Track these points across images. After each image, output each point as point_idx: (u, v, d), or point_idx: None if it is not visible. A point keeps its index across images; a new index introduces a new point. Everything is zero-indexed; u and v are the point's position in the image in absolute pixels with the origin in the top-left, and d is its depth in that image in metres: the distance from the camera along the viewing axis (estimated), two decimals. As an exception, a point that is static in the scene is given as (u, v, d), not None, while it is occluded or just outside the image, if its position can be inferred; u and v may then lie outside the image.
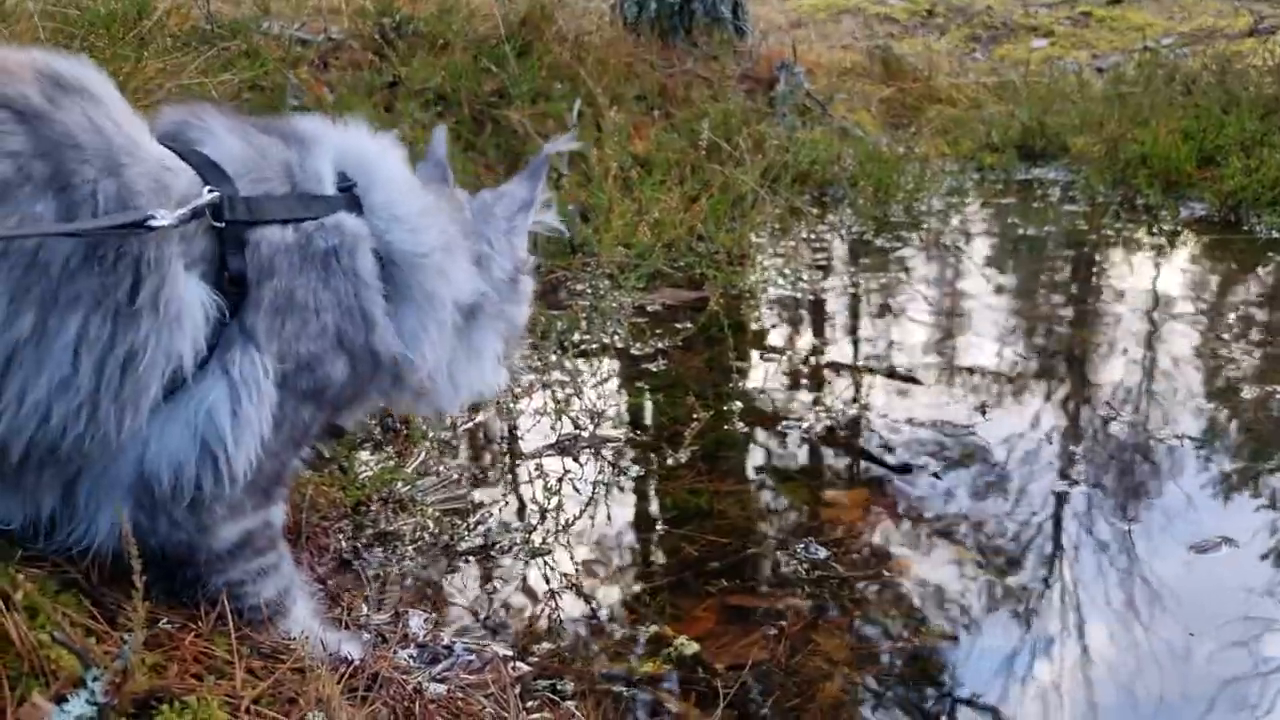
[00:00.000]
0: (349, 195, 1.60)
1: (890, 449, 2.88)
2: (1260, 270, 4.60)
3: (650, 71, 7.21)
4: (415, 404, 1.86)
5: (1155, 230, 5.27)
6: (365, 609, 2.06)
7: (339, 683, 1.45)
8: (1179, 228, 5.31)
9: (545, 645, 2.02)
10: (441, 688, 1.77)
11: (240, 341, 1.45)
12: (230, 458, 1.43)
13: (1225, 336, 3.71)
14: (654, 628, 2.09)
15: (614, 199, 4.36)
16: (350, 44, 6.50)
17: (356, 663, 1.74)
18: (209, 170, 1.46)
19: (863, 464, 2.83)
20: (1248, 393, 3.22)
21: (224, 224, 1.41)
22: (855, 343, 3.77)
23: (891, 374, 3.42)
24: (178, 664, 1.34)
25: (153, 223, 1.28)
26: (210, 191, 1.40)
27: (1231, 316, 3.97)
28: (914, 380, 3.37)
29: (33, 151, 1.25)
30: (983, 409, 3.12)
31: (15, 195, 1.23)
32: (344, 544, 2.27)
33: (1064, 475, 2.73)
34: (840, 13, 12.67)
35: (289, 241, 1.50)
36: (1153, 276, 4.55)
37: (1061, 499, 2.61)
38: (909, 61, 8.90)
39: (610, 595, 2.21)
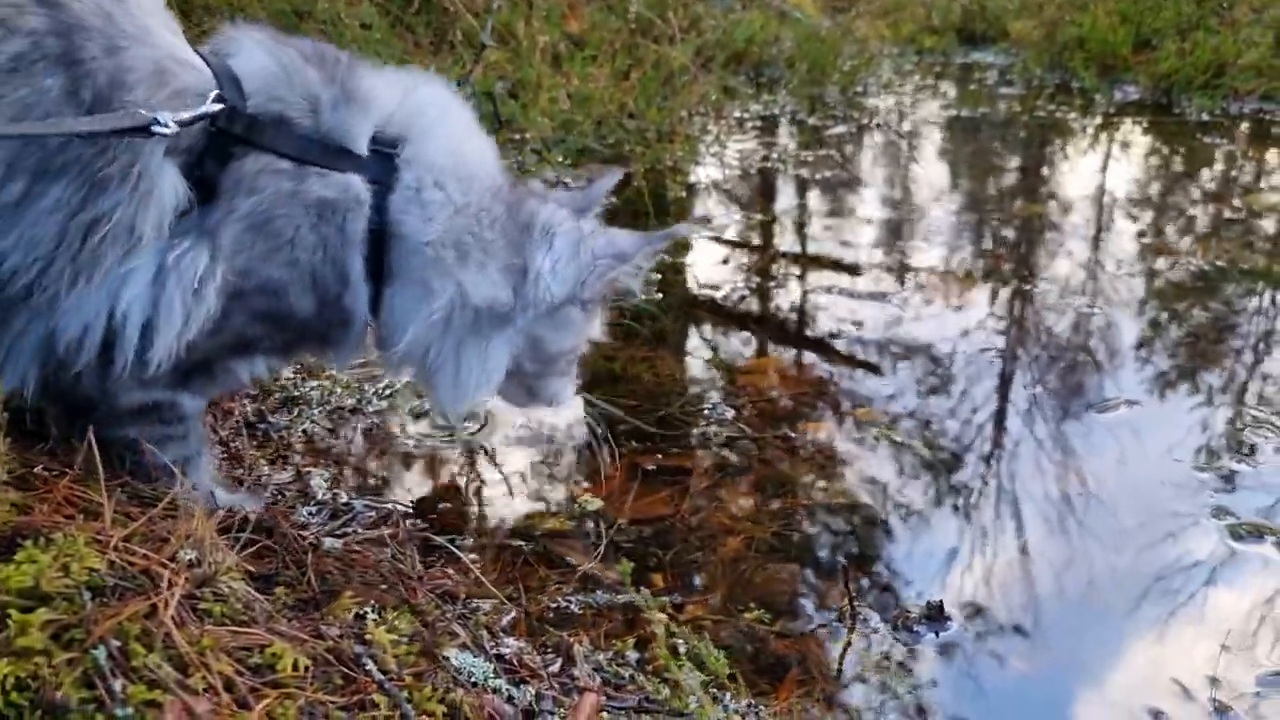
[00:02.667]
0: (378, 160, 1.53)
1: (809, 322, 2.89)
2: (1185, 152, 4.62)
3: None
4: (421, 385, 1.83)
5: (1090, 113, 5.27)
6: (267, 469, 2.04)
7: (216, 525, 1.44)
8: (1112, 110, 5.31)
9: (446, 505, 2.02)
10: (338, 542, 1.77)
11: (194, 238, 1.42)
12: (129, 337, 1.40)
13: (1136, 214, 3.74)
14: (560, 488, 2.10)
15: (542, 74, 4.26)
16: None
17: (250, 515, 1.73)
18: (224, 77, 1.44)
19: (767, 334, 2.84)
20: (1158, 264, 3.25)
21: (214, 129, 1.41)
22: (775, 221, 3.75)
23: (815, 260, 3.42)
24: (49, 505, 1.32)
25: (156, 128, 1.29)
26: (216, 100, 1.39)
27: (1147, 197, 4.00)
28: (842, 266, 3.37)
29: (47, 29, 1.29)
30: (901, 279, 3.13)
31: (30, 69, 1.29)
32: (249, 407, 2.24)
33: (988, 349, 2.76)
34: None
35: (282, 169, 1.46)
36: (1078, 160, 4.56)
37: (966, 367, 2.65)
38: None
39: (516, 458, 2.21)
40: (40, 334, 1.41)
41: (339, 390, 2.35)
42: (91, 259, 1.35)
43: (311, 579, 1.61)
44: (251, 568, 1.51)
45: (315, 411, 2.27)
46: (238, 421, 2.20)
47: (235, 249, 1.45)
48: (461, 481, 2.12)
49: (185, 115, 1.34)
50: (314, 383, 2.37)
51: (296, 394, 2.32)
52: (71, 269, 1.34)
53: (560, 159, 3.92)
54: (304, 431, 2.20)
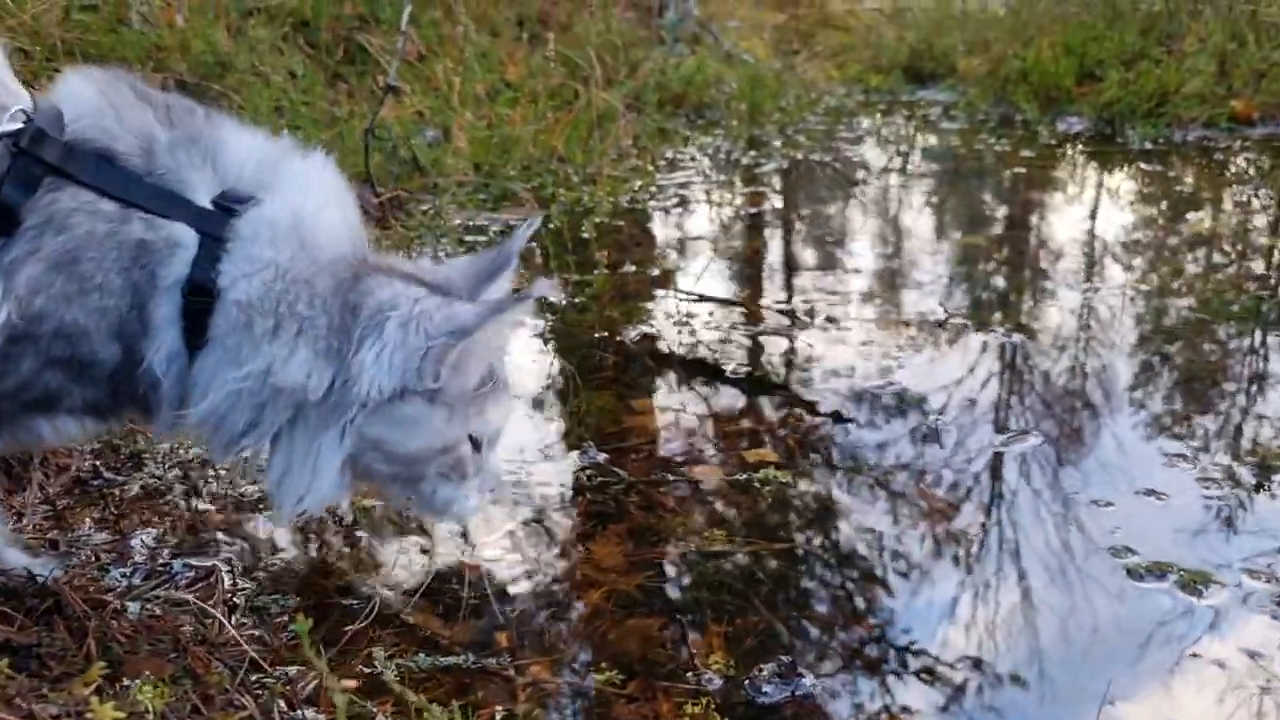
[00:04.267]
0: (218, 214, 1.39)
1: (711, 358, 2.75)
2: (1127, 179, 4.53)
3: (533, -1, 6.99)
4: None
5: (1032, 145, 5.19)
6: (89, 529, 1.89)
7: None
8: (1054, 141, 5.23)
9: (275, 562, 1.86)
10: (141, 610, 1.62)
11: None
12: None
13: (1077, 239, 3.63)
14: (403, 540, 1.95)
15: (463, 119, 4.17)
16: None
17: (45, 581, 1.59)
18: (43, 105, 1.35)
19: (660, 371, 2.71)
20: (1105, 288, 3.14)
21: (17, 150, 1.30)
22: (684, 260, 3.64)
23: (704, 297, 3.30)
24: None
25: None
26: (20, 119, 1.31)
27: (1083, 225, 3.89)
28: (727, 301, 3.24)
29: None
30: (809, 314, 3.01)
31: None
32: (86, 464, 2.10)
33: (887, 375, 2.63)
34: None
35: (101, 210, 1.33)
36: (1012, 190, 4.46)
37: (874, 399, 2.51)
38: (807, -11, 8.75)
39: (362, 511, 2.06)
40: None
41: (188, 444, 2.20)
42: None
43: (91, 648, 1.46)
44: (10, 635, 1.36)
45: (160, 467, 2.12)
46: (71, 479, 2.06)
47: (32, 289, 1.31)
48: (303, 537, 1.96)
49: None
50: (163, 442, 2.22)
51: (143, 448, 2.17)
52: None
53: (476, 201, 3.81)
54: (142, 488, 2.05)
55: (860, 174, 4.75)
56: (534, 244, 3.56)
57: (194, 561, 1.81)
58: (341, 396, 1.42)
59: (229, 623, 1.61)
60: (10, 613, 1.45)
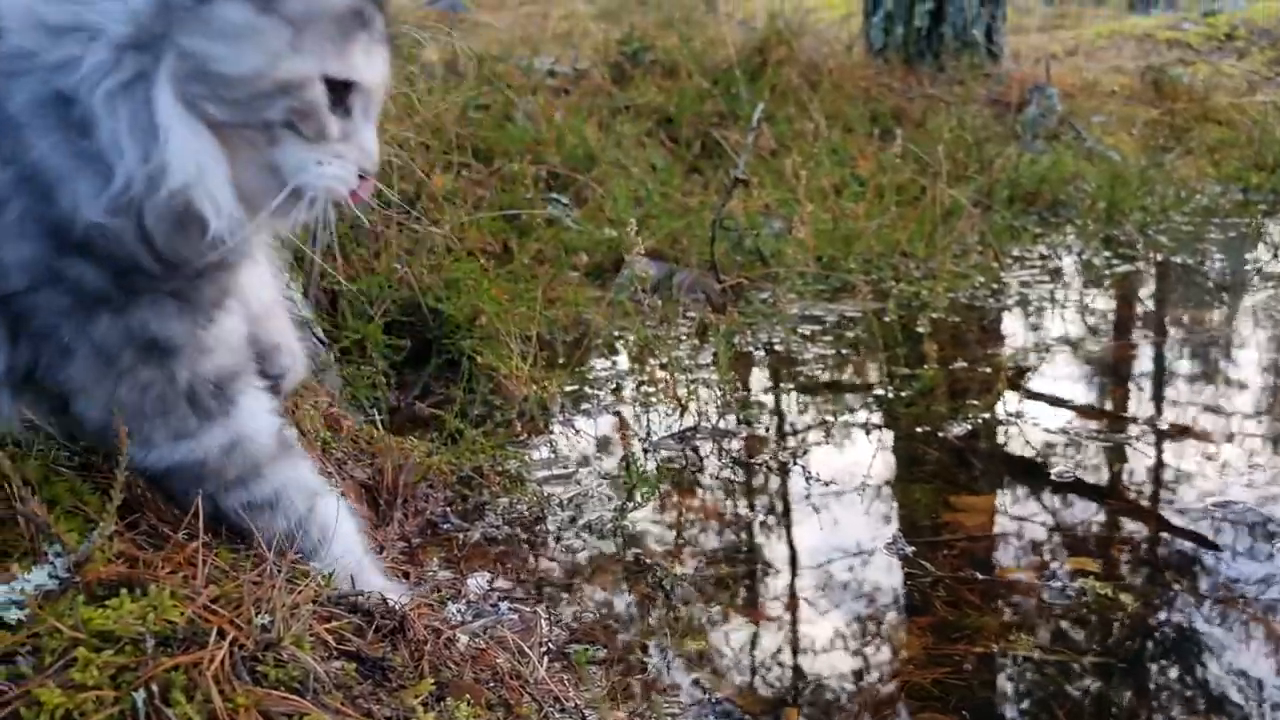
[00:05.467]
0: None
1: (1046, 459, 2.67)
2: None
3: (888, 95, 7.07)
4: None
5: None
6: (435, 567, 2.12)
7: (311, 597, 1.50)
8: None
9: (590, 614, 2.00)
10: (470, 640, 1.80)
11: None
12: None
13: None
14: (715, 607, 2.04)
15: (807, 212, 4.30)
16: (594, 73, 6.79)
17: (395, 606, 1.80)
18: None
19: (981, 468, 2.64)
20: None
21: None
22: (1021, 360, 3.53)
23: (1034, 395, 3.18)
24: (170, 562, 1.44)
25: None
26: None
27: None
28: (1063, 404, 3.11)
29: None
30: (1154, 422, 2.84)
31: None
32: (439, 510, 2.35)
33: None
34: (1125, 39, 11.93)
35: None
36: None
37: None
38: (1187, 84, 8.26)
39: (678, 578, 2.16)
40: None
41: (528, 500, 2.41)
42: None
43: (425, 668, 1.64)
44: (360, 647, 1.56)
45: (500, 518, 2.34)
46: (425, 521, 2.31)
47: None
48: (618, 593, 2.10)
49: None
50: (507, 491, 2.45)
51: (486, 500, 2.41)
52: None
53: (814, 291, 3.92)
54: (483, 536, 2.27)
55: (1232, 278, 4.43)
56: (864, 334, 3.60)
57: (520, 606, 1.98)
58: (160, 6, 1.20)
59: (542, 665, 1.75)
60: (364, 627, 1.65)
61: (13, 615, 1.23)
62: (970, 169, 5.34)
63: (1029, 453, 2.73)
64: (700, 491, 2.53)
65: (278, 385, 1.68)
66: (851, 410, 3.01)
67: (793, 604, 2.08)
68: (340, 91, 1.29)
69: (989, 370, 3.31)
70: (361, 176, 1.35)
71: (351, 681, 1.38)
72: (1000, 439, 2.82)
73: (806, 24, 8.34)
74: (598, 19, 10.03)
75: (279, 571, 1.43)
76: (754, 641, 1.95)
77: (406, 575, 2.06)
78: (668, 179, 5.11)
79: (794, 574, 2.19)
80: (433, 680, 1.53)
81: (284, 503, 1.61)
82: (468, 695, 1.54)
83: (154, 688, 1.17)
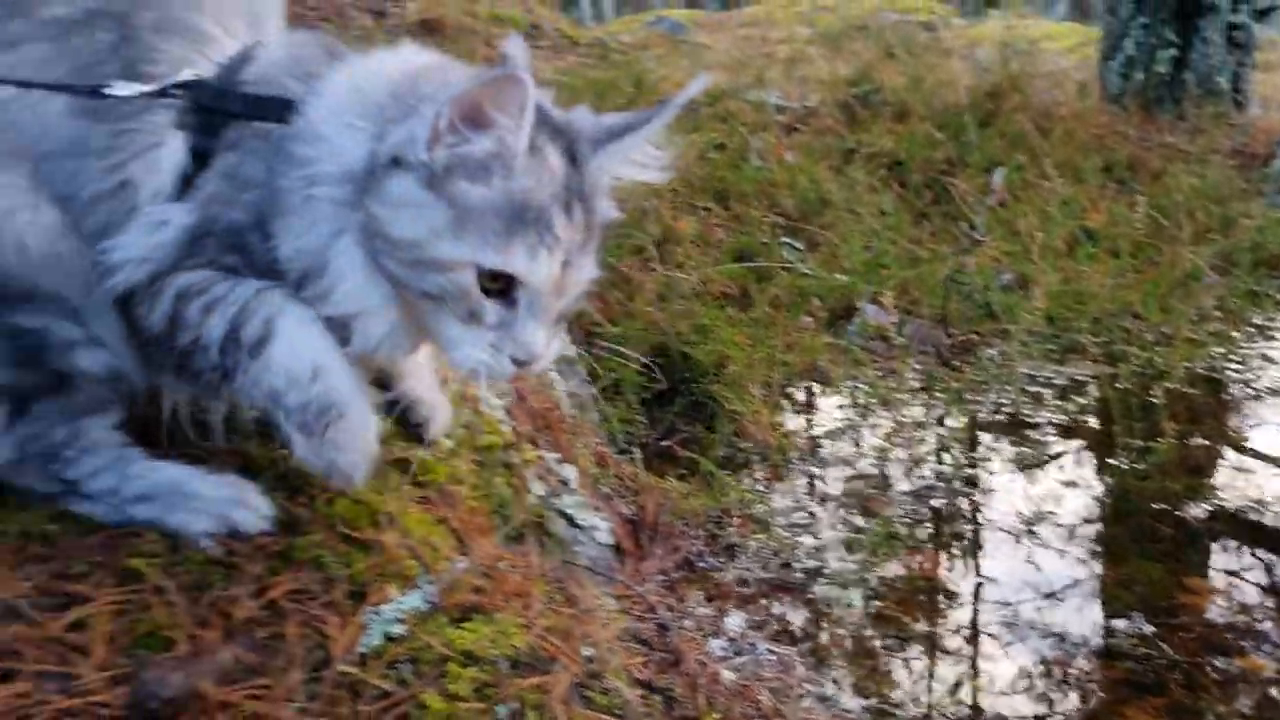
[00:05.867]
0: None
1: None
2: None
3: (1124, 144, 6.94)
4: None
5: None
6: (694, 603, 2.33)
7: (628, 640, 1.73)
8: None
9: (842, 661, 2.17)
10: (733, 676, 1.99)
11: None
12: None
13: None
14: (955, 670, 2.17)
15: (1040, 270, 4.34)
16: (821, 112, 6.93)
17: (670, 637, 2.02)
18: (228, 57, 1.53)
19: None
20: None
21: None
22: (1266, 438, 3.48)
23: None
24: (500, 593, 1.69)
25: (106, 90, 1.42)
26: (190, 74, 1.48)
27: None
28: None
29: None
30: None
31: (92, 23, 1.49)
32: (694, 548, 2.56)
33: None
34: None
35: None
36: None
37: None
38: None
39: (918, 638, 2.31)
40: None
41: (777, 545, 2.60)
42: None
43: (700, 700, 1.85)
44: (650, 677, 1.78)
45: (752, 560, 2.54)
46: (682, 558, 2.53)
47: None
48: (868, 646, 2.26)
49: (146, 87, 1.43)
50: (756, 534, 2.64)
51: (738, 542, 2.61)
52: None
53: (1045, 352, 3.96)
54: (736, 578, 2.47)
55: None
56: (1094, 402, 3.62)
57: (775, 647, 2.17)
58: (369, 168, 1.38)
59: (800, 705, 1.94)
60: (646, 654, 1.86)
61: (396, 630, 1.50)
62: (1211, 228, 5.23)
63: (1272, 540, 2.74)
64: (936, 549, 2.66)
65: (420, 433, 1.82)
66: (1084, 479, 3.07)
67: (1025, 687, 2.19)
68: (502, 281, 1.35)
69: (1229, 448, 3.30)
70: (520, 364, 1.40)
71: (657, 712, 1.60)
72: (1240, 522, 2.83)
73: (1035, 61, 8.26)
74: (817, 44, 10.14)
75: (597, 605, 1.66)
76: (978, 706, 2.07)
77: (669, 608, 2.28)
78: (896, 225, 5.21)
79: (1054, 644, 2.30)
80: (712, 711, 1.73)
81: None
82: (742, 729, 1.73)
83: (511, 704, 1.41)
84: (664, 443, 3.14)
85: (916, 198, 5.79)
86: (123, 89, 1.41)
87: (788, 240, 4.85)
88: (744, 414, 3.19)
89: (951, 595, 2.48)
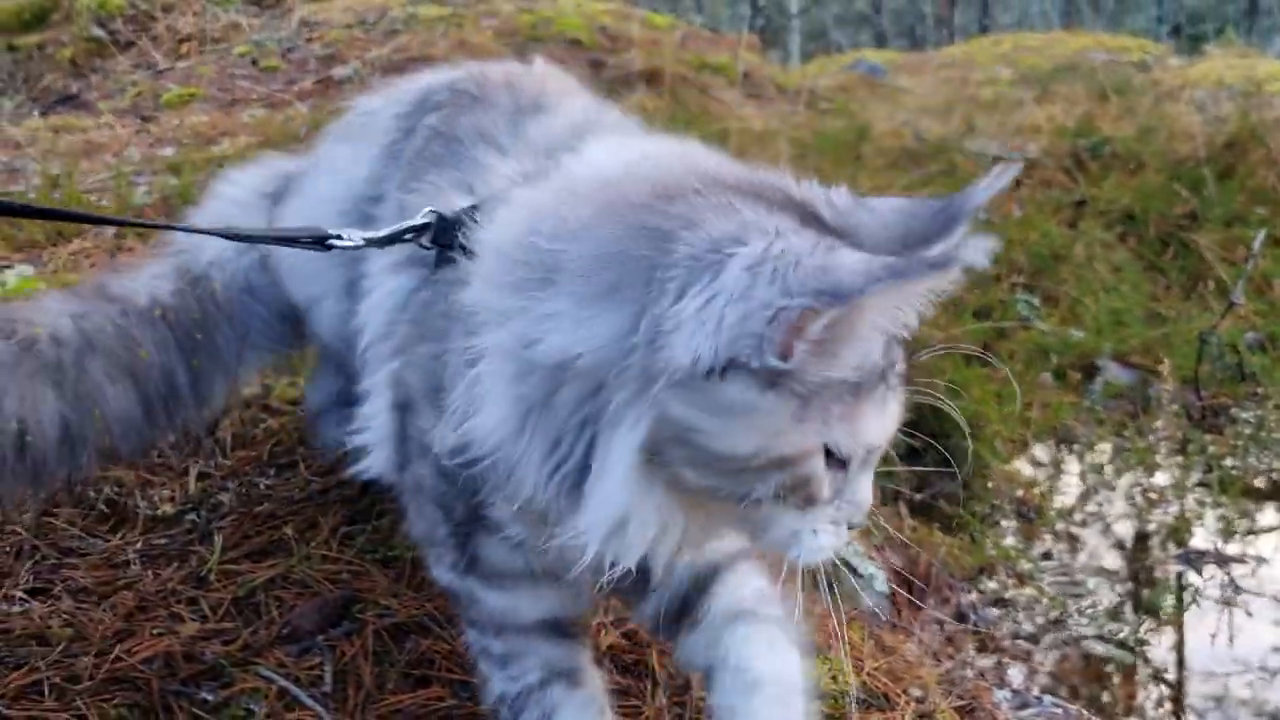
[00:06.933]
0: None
1: None
2: None
3: (1376, 196, 6.63)
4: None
5: None
6: (971, 652, 2.44)
7: (939, 685, 1.87)
8: None
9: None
10: (1025, 723, 2.11)
11: None
12: None
13: None
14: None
15: (1294, 331, 4.25)
16: (1045, 162, 6.89)
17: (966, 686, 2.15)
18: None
19: None
20: None
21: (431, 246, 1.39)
22: None
23: None
24: (824, 631, 1.86)
25: (332, 242, 1.39)
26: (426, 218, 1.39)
27: None
28: None
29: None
30: None
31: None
32: (964, 600, 2.67)
33: None
34: None
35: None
36: None
37: None
38: None
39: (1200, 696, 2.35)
40: None
41: (1044, 600, 2.68)
42: None
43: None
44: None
45: (1020, 614, 2.63)
46: (953, 609, 2.64)
47: None
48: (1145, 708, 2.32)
49: (371, 234, 1.40)
50: (1022, 590, 2.73)
51: (1006, 596, 2.70)
52: None
53: (1305, 418, 3.88)
54: (1009, 631, 2.57)
55: None
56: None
57: (1063, 702, 2.26)
58: (643, 361, 1.05)
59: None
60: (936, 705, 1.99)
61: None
62: None
63: None
64: (1208, 618, 2.68)
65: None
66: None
67: None
68: (840, 456, 1.11)
69: None
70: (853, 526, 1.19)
71: (977, 753, 1.73)
72: None
73: (1272, 106, 7.97)
74: (1020, 85, 9.94)
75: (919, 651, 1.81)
76: None
77: (951, 657, 2.40)
78: (1136, 282, 5.16)
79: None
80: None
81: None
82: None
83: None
84: (919, 495, 3.25)
85: (1153, 253, 5.71)
86: (352, 239, 1.41)
87: (1024, 297, 4.87)
88: (996, 469, 3.27)
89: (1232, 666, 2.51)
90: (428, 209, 1.37)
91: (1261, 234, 4.72)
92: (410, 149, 1.61)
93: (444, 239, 1.33)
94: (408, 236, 1.37)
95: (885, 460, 1.21)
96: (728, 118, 6.14)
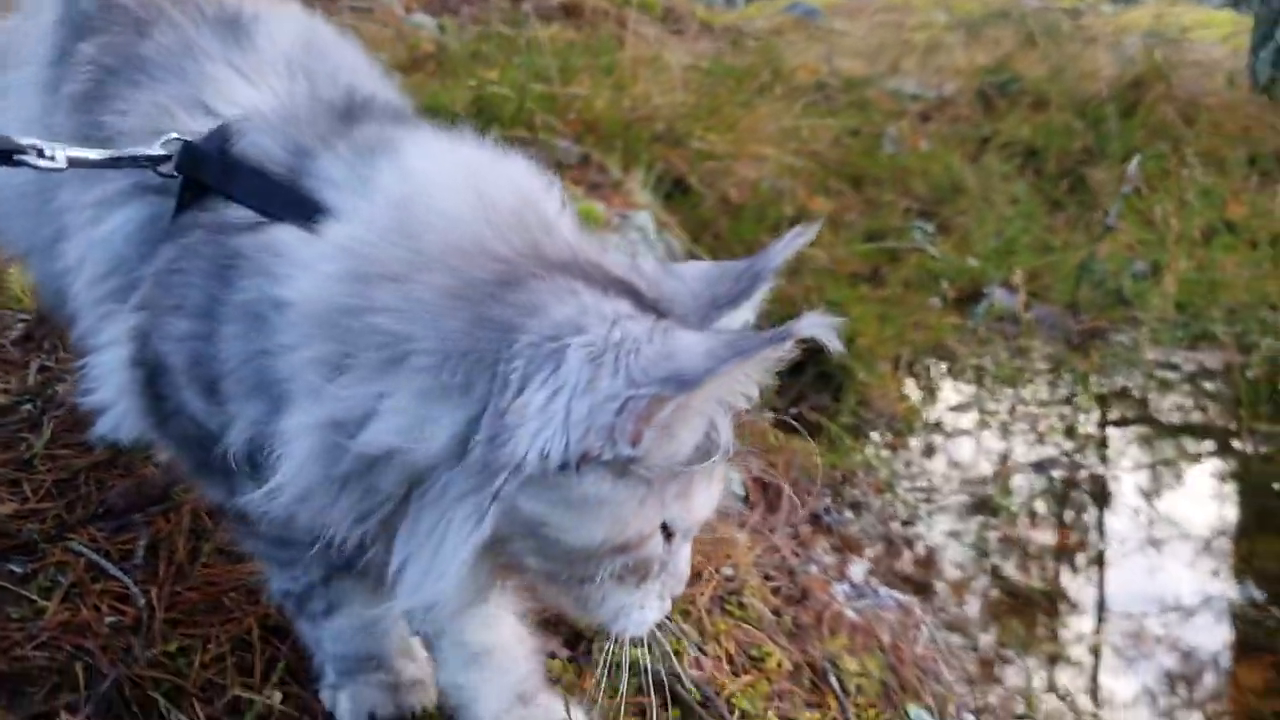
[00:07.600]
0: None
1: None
2: None
3: (1271, 135, 6.79)
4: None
5: None
6: (820, 551, 2.51)
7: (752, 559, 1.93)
8: None
9: (961, 609, 2.33)
10: (856, 615, 2.18)
11: None
12: None
13: None
14: (1069, 615, 2.31)
15: (1175, 260, 4.37)
16: (957, 100, 6.97)
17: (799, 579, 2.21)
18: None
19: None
20: None
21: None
22: None
23: None
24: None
25: (22, 158, 1.17)
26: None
27: None
28: None
29: None
30: None
31: None
32: (822, 504, 2.74)
33: None
34: None
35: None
36: None
37: None
38: None
39: (1037, 595, 2.45)
40: None
41: (900, 505, 2.76)
42: None
43: (824, 630, 2.04)
44: (778, 606, 1.98)
45: (874, 518, 2.71)
46: (809, 512, 2.71)
47: None
48: (985, 594, 2.41)
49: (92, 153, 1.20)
50: (879, 495, 2.81)
51: (862, 500, 2.78)
52: None
53: (1178, 339, 4.01)
54: (859, 529, 2.64)
55: None
56: (1225, 388, 3.67)
57: (897, 594, 2.34)
58: (485, 457, 1.01)
59: (918, 644, 2.11)
60: (775, 588, 2.06)
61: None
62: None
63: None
64: (1054, 519, 2.79)
65: None
66: (1204, 458, 3.14)
67: (1142, 640, 2.31)
68: (671, 530, 1.09)
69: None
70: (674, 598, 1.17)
71: (786, 632, 1.80)
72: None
73: (1183, 50, 8.12)
74: (954, 30, 10.03)
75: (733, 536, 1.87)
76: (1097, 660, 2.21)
77: (796, 555, 2.47)
78: (1030, 213, 5.26)
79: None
80: (838, 635, 1.92)
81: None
82: (844, 649, 1.91)
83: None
84: (793, 409, 3.32)
85: (1052, 187, 5.82)
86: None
87: (919, 225, 4.95)
88: (870, 385, 3.35)
89: (1070, 555, 2.61)
90: (170, 135, 1.18)
91: (1136, 159, 4.81)
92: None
93: (191, 170, 1.17)
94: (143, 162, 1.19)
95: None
96: (639, 50, 6.08)
